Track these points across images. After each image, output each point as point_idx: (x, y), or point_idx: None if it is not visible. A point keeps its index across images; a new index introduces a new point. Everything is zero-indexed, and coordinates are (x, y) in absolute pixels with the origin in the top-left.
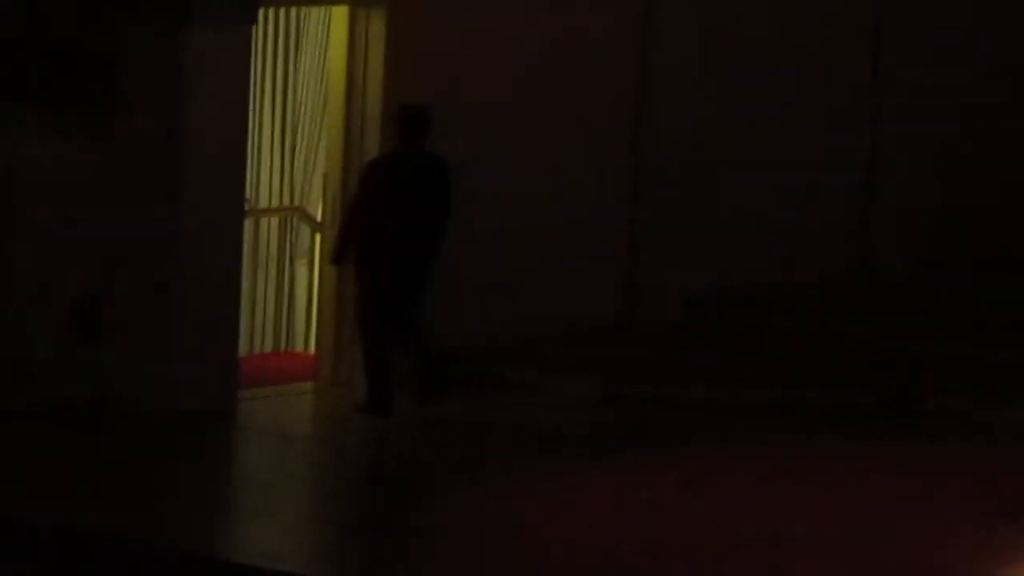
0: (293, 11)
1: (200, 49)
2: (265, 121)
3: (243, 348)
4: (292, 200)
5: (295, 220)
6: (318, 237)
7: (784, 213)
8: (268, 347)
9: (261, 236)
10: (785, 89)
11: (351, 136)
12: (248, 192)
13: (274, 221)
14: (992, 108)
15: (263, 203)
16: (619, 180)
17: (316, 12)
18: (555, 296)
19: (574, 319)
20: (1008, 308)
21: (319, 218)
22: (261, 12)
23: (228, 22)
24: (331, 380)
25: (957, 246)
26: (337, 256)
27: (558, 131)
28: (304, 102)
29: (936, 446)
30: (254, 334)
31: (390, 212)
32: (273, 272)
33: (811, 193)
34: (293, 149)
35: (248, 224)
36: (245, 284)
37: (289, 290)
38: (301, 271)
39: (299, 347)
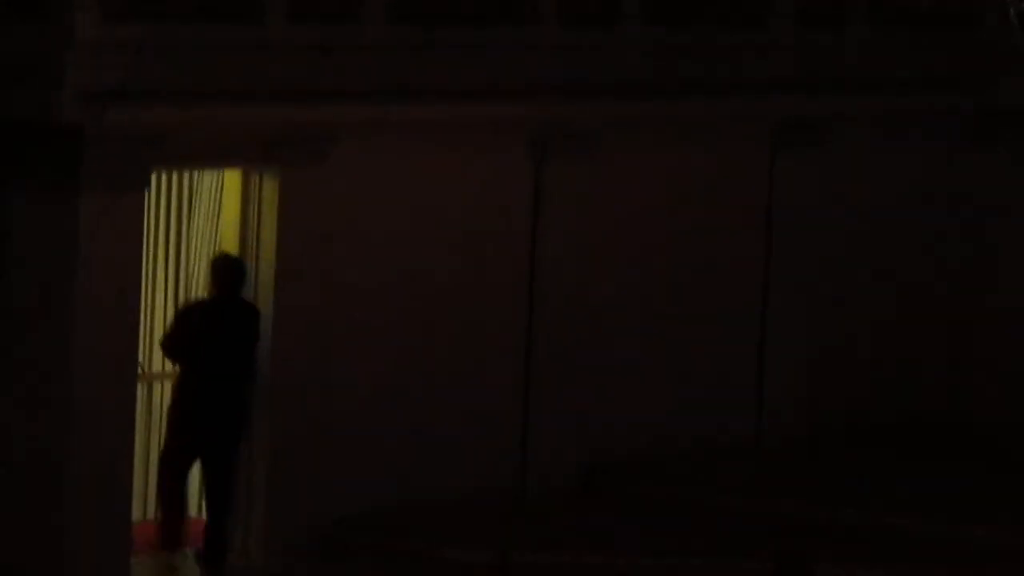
0: (186, 174)
1: (91, 214)
2: (158, 284)
3: (136, 514)
4: None
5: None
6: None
7: (681, 380)
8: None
9: (155, 400)
10: (678, 262)
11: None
12: (141, 356)
13: (167, 385)
14: (885, 287)
15: (156, 367)
16: (511, 351)
17: (209, 176)
18: (447, 462)
19: (466, 483)
20: (900, 475)
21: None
22: (153, 176)
23: (120, 186)
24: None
25: (849, 414)
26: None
27: (449, 298)
28: (197, 265)
29: None
30: (147, 500)
31: (204, 354)
32: None
33: (705, 364)
34: None
35: (141, 389)
36: (138, 449)
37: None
38: None
39: (193, 512)
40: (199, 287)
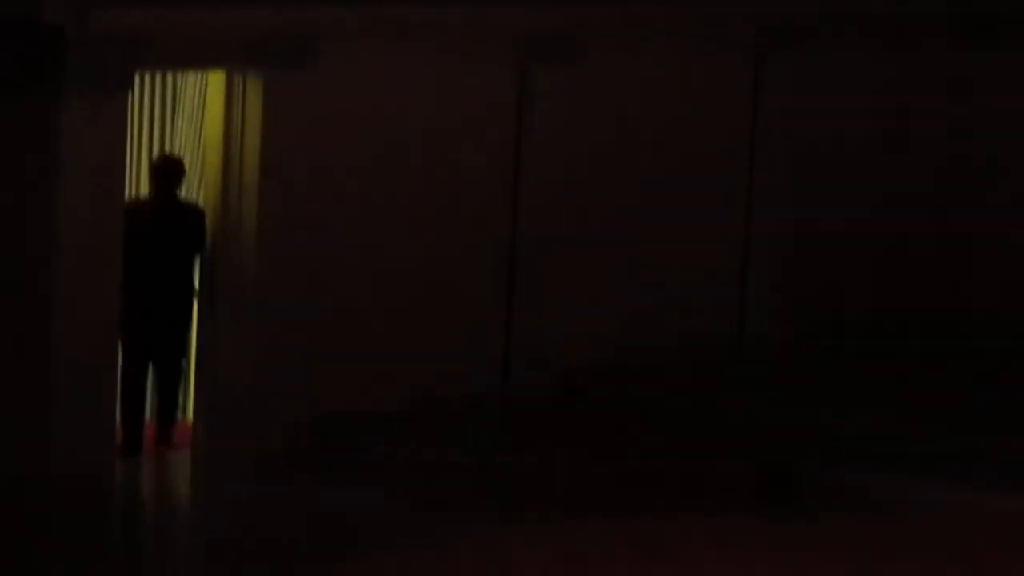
0: (170, 76)
1: (74, 117)
2: (142, 187)
3: (119, 416)
4: None
5: None
6: (195, 303)
7: (661, 288)
8: (145, 415)
9: None
10: (661, 165)
11: (228, 201)
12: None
13: None
14: (861, 185)
15: None
16: (495, 250)
17: (193, 77)
18: (430, 366)
19: (449, 390)
20: (886, 379)
21: (196, 284)
22: (136, 78)
23: (103, 89)
24: (208, 448)
25: (835, 319)
26: None
27: (433, 198)
28: None
29: (815, 520)
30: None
31: (146, 255)
32: None
33: (688, 268)
34: None
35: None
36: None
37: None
38: None
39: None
40: (182, 189)
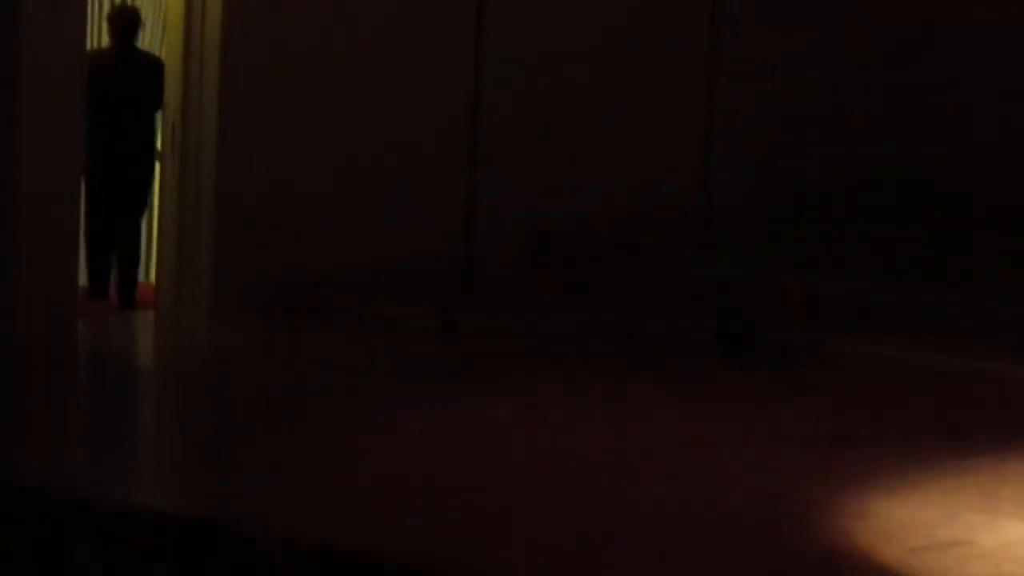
0: None
1: None
2: (103, 42)
3: (83, 278)
4: None
5: None
6: (157, 166)
7: (625, 145)
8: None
9: None
10: (627, 28)
11: (190, 63)
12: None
13: None
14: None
15: None
16: (460, 110)
17: None
18: (395, 228)
19: (414, 251)
20: (846, 238)
21: (158, 147)
22: None
23: None
24: (172, 308)
25: (797, 176)
26: None
27: (398, 64)
28: (145, 26)
29: (776, 376)
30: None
31: (103, 107)
32: None
33: (651, 125)
34: None
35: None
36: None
37: None
38: None
39: (141, 276)
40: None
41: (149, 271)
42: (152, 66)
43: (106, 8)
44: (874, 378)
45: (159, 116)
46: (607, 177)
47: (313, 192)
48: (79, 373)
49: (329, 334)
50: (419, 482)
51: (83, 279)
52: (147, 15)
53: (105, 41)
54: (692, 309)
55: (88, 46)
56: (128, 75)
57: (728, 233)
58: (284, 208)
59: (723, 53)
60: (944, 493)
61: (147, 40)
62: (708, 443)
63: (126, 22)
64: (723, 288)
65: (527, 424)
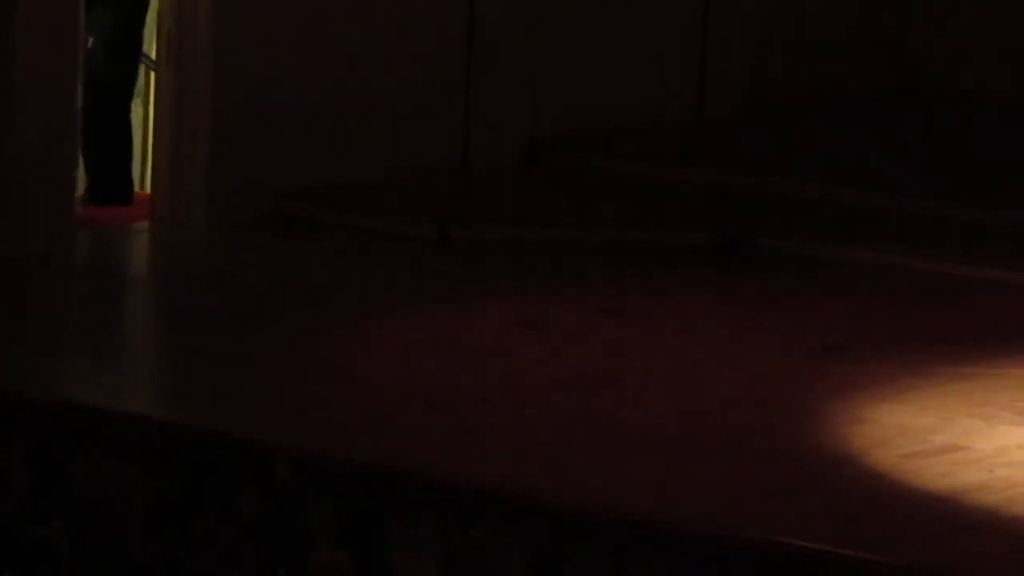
0: None
1: None
2: None
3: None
4: None
5: None
6: (152, 76)
7: (616, 56)
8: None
9: None
10: None
11: None
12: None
13: None
14: None
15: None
16: (456, 19)
17: None
18: (389, 138)
19: (408, 161)
20: (845, 147)
21: (153, 56)
22: None
23: None
24: (168, 220)
25: (793, 85)
26: None
27: None
28: None
29: (770, 285)
30: None
31: None
32: None
33: (644, 36)
34: None
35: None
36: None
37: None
38: (136, 111)
39: (135, 187)
40: None
41: (144, 181)
42: None
43: None
44: (869, 286)
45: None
46: (603, 86)
47: (311, 103)
48: (73, 284)
49: (326, 246)
50: (417, 396)
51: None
52: None
53: None
54: (689, 218)
55: None
56: None
57: (725, 141)
58: (281, 119)
59: None
60: (938, 399)
61: None
62: (704, 354)
63: None
64: (720, 197)
65: (519, 335)
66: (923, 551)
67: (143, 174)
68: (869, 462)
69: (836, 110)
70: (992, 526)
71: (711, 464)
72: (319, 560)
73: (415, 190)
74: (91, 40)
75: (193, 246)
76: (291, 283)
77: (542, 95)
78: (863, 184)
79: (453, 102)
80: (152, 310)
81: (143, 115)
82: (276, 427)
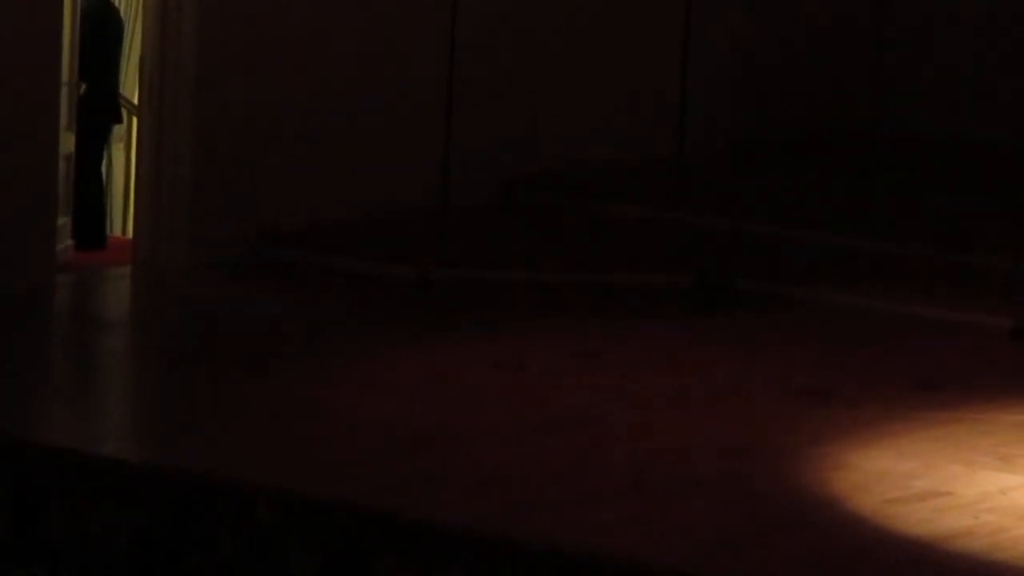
0: None
1: None
2: None
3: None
4: None
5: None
6: (135, 120)
7: (598, 96)
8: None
9: None
10: None
11: (168, 17)
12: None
13: None
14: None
15: None
16: (435, 62)
17: None
18: (368, 180)
19: (388, 202)
20: (823, 189)
21: (135, 101)
22: None
23: None
24: (149, 264)
25: (770, 127)
26: None
27: (374, 7)
28: None
29: (751, 326)
30: None
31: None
32: None
33: (625, 75)
34: None
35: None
36: (60, 167)
37: (106, 173)
38: (118, 155)
39: (117, 231)
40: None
41: (126, 225)
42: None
43: None
44: (851, 329)
45: (135, 69)
46: (581, 128)
47: (290, 147)
48: (55, 327)
49: (306, 288)
50: (396, 436)
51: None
52: None
53: None
54: (667, 260)
55: None
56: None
57: (704, 183)
58: (261, 162)
59: (697, 4)
60: (920, 444)
61: None
62: (683, 395)
63: None
64: (698, 239)
65: (497, 376)
66: None
67: (125, 218)
68: (851, 507)
69: (814, 152)
70: (976, 572)
71: (692, 507)
72: None
73: (393, 231)
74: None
75: (174, 289)
76: (271, 325)
77: (519, 137)
78: (842, 226)
79: (431, 143)
80: (132, 353)
81: (125, 160)
82: (257, 468)
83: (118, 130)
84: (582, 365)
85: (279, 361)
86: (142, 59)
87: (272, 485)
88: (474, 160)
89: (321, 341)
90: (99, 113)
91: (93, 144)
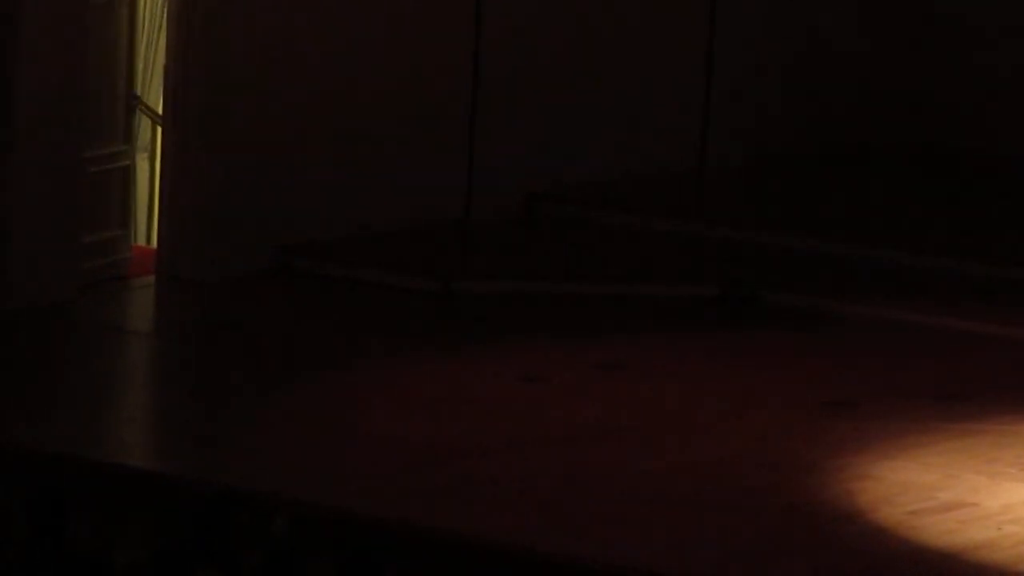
0: None
1: None
2: None
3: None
4: None
5: (136, 113)
6: (159, 130)
7: (622, 108)
8: None
9: None
10: None
11: (191, 29)
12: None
13: None
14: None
15: None
16: (459, 76)
17: None
18: (392, 192)
19: (412, 215)
20: (850, 201)
21: (160, 111)
22: None
23: None
24: (172, 275)
25: (796, 139)
26: None
27: (398, 25)
28: None
29: (773, 339)
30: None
31: None
32: None
33: (648, 88)
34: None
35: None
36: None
37: (130, 183)
38: (142, 165)
39: (140, 241)
40: (146, 14)
41: (151, 235)
42: None
43: None
44: (875, 341)
45: (159, 79)
46: (605, 140)
47: (314, 158)
48: (77, 338)
49: (329, 299)
50: (418, 449)
51: None
52: None
53: None
54: (692, 272)
55: None
56: None
57: (728, 196)
58: (285, 174)
59: (721, 16)
60: (944, 455)
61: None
62: (706, 408)
63: None
64: (723, 251)
65: (523, 389)
66: None
67: (149, 228)
68: (875, 519)
69: (839, 164)
70: None
71: (716, 519)
72: None
73: (417, 244)
74: None
75: (197, 300)
76: (294, 337)
77: (544, 149)
78: (868, 238)
79: (456, 156)
80: (153, 363)
81: (149, 170)
82: (276, 480)
83: (141, 139)
84: (607, 377)
85: (301, 374)
86: (166, 70)
87: (291, 497)
88: (498, 172)
89: (344, 353)
90: None
91: None
